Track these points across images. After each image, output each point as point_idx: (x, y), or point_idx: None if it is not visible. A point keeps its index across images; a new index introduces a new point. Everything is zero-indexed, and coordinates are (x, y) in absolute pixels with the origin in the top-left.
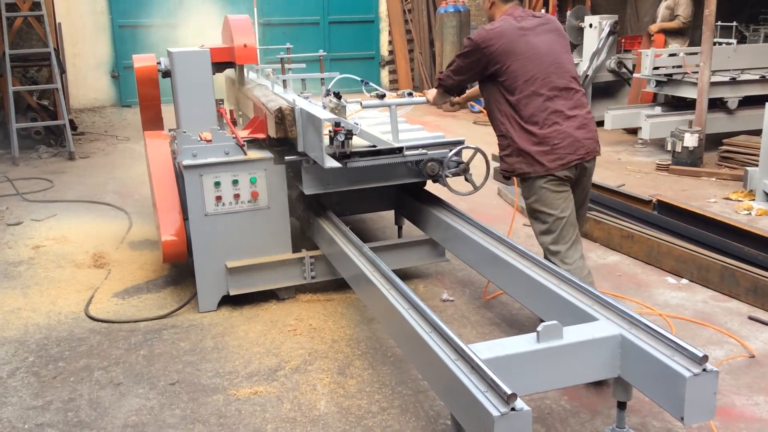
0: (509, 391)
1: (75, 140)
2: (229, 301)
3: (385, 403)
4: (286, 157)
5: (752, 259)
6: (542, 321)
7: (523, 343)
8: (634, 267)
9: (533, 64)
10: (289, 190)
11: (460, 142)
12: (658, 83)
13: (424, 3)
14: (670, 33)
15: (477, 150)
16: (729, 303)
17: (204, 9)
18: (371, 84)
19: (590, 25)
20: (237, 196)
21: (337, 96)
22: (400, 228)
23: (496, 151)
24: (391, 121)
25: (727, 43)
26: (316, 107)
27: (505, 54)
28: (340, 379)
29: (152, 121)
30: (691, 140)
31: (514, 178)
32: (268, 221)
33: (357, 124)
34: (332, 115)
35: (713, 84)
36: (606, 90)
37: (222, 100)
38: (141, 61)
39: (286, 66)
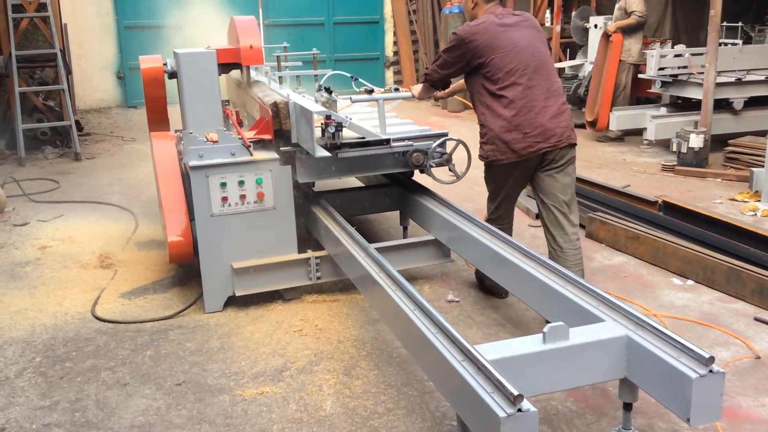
0: (516, 392)
1: (81, 141)
2: (234, 301)
3: (391, 404)
4: (281, 148)
5: (758, 261)
6: (548, 322)
7: (529, 344)
8: (639, 268)
9: (514, 57)
10: (295, 191)
11: (444, 135)
12: (664, 84)
13: (429, 4)
14: (627, 30)
15: (459, 142)
16: (735, 304)
17: (209, 10)
18: (360, 80)
19: (595, 26)
20: (243, 197)
21: (328, 91)
22: (405, 229)
23: None
24: (379, 114)
25: (733, 44)
26: (309, 101)
27: (488, 48)
28: (346, 379)
29: (158, 121)
30: (696, 141)
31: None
32: (273, 222)
33: (349, 118)
34: (323, 109)
35: (719, 85)
36: None
37: (228, 101)
38: (147, 62)
39: (283, 64)
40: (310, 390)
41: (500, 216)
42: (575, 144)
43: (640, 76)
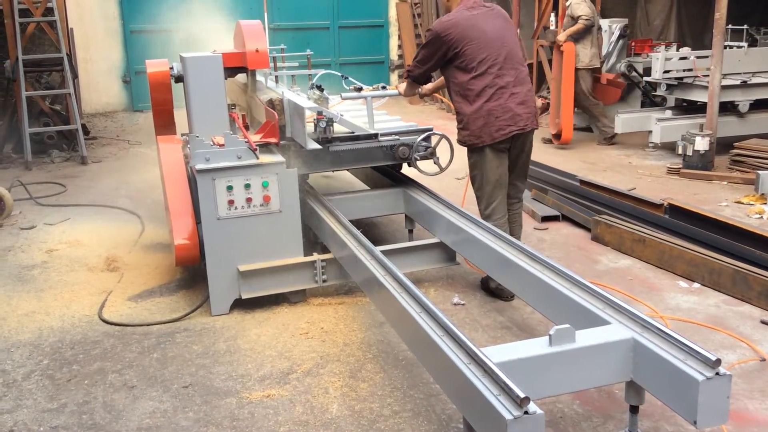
0: (522, 395)
1: (87, 145)
2: (241, 304)
3: (397, 407)
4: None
5: (764, 263)
6: (554, 325)
7: (535, 347)
8: (645, 271)
9: (485, 47)
10: (302, 194)
11: (429, 129)
12: (669, 87)
13: (433, 7)
14: (576, 37)
15: (442, 136)
16: (741, 307)
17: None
18: (350, 78)
19: (600, 29)
20: (249, 200)
21: (320, 89)
22: (410, 231)
23: None
24: (368, 110)
25: (738, 47)
26: (302, 98)
27: (461, 39)
28: (352, 382)
29: (165, 125)
30: (702, 144)
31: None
32: (279, 225)
33: (341, 114)
34: (315, 105)
35: (724, 87)
36: None
37: (234, 105)
38: (154, 66)
39: (279, 65)
40: (317, 392)
41: (494, 209)
42: (537, 128)
43: (606, 80)
